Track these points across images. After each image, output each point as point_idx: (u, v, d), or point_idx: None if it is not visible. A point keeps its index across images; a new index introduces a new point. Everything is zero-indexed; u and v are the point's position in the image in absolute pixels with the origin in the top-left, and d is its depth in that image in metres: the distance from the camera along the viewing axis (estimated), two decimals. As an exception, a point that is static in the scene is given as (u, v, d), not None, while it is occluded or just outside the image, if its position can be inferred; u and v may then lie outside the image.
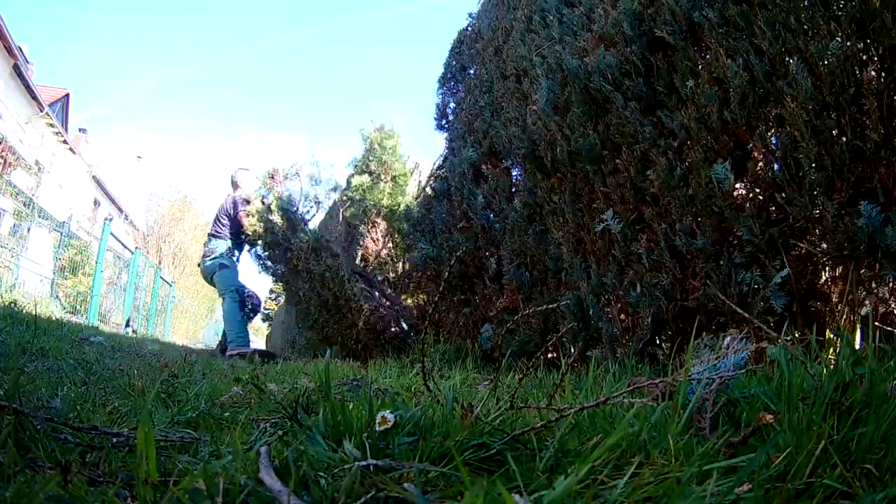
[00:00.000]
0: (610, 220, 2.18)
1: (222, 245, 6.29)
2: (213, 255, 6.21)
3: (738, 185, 1.88)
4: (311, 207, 6.42)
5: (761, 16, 1.74)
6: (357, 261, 5.28)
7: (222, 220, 6.33)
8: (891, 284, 1.63)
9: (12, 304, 5.17)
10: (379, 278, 5.12)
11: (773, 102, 1.75)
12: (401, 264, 5.21)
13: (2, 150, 11.29)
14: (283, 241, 5.03)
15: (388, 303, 4.54)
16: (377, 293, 4.62)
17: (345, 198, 5.64)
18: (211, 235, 6.42)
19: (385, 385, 1.83)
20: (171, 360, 2.76)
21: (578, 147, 2.35)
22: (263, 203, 5.73)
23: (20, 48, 14.88)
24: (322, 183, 6.37)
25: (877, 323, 1.52)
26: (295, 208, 5.36)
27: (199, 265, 6.66)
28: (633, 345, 2.08)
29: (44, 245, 9.59)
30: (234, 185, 6.58)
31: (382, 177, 5.40)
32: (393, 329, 4.26)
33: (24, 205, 8.55)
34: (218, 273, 6.17)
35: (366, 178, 5.25)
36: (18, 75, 14.86)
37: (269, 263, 5.78)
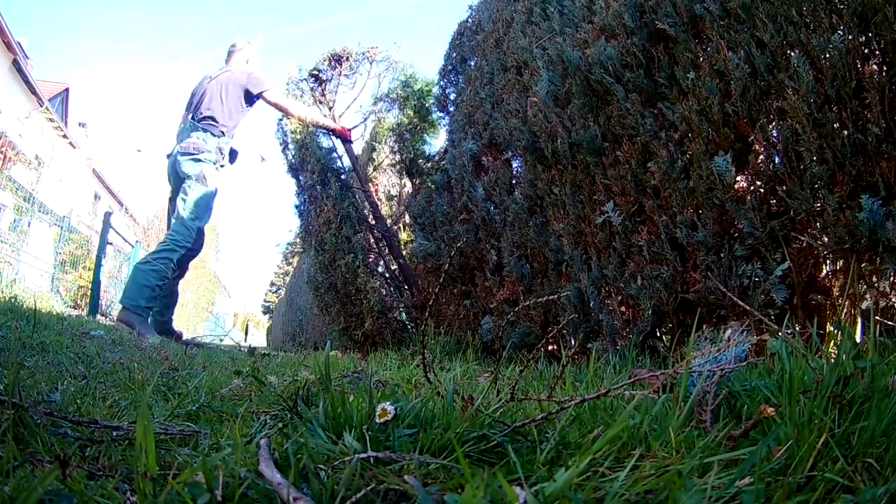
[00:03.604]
0: (611, 211, 2.17)
1: (215, 143, 4.12)
2: (197, 154, 4.07)
3: (739, 178, 1.88)
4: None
5: (763, 8, 1.73)
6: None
7: (229, 103, 4.16)
8: (891, 278, 1.62)
9: (13, 299, 5.17)
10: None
11: (775, 95, 1.74)
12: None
13: (2, 145, 11.25)
14: (315, 184, 4.18)
15: (401, 276, 4.14)
16: (387, 273, 4.24)
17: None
18: (202, 122, 4.12)
19: (385, 377, 1.83)
20: (172, 353, 2.77)
21: (579, 139, 2.34)
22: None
23: (19, 43, 14.82)
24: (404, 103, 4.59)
25: (877, 317, 1.52)
26: (333, 154, 4.27)
27: (167, 156, 4.39)
28: (634, 337, 2.08)
29: (44, 239, 9.58)
30: (240, 58, 4.43)
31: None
32: (401, 314, 3.88)
33: (25, 199, 8.53)
34: (193, 185, 4.04)
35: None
36: (18, 70, 14.80)
37: (302, 192, 4.45)
